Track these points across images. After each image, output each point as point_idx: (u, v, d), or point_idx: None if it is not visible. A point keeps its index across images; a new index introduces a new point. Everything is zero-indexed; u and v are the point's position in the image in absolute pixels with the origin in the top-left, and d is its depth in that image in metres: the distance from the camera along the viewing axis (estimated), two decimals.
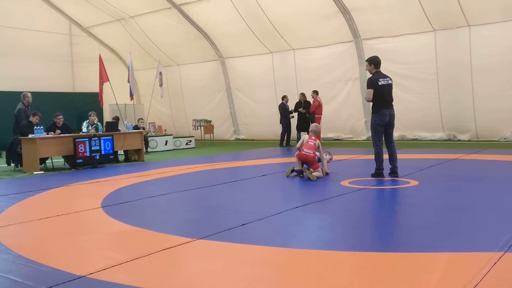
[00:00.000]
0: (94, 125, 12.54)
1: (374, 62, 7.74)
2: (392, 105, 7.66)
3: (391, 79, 7.69)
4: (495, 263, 3.35)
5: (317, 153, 8.22)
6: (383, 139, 7.69)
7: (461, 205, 5.46)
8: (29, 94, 11.94)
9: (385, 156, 7.69)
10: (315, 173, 7.91)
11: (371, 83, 7.53)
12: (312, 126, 8.78)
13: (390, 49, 14.76)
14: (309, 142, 8.20)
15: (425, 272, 3.33)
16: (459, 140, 14.30)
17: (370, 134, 7.94)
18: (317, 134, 8.62)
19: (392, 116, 7.60)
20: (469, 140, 14.02)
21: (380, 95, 7.48)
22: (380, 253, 3.80)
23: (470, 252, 3.69)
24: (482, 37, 13.31)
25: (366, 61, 7.89)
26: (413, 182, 7.14)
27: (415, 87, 14.53)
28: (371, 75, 7.73)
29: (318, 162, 8.22)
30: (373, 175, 7.74)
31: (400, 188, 6.80)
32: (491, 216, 5.05)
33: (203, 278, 3.39)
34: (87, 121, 12.86)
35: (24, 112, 11.51)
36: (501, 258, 3.47)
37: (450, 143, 13.78)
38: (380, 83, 7.49)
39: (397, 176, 7.55)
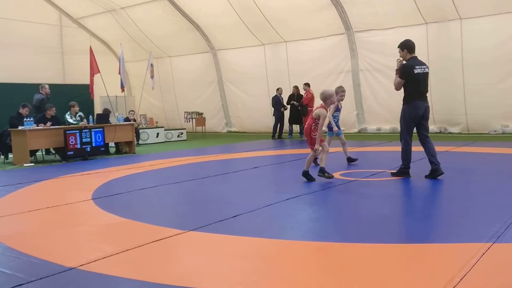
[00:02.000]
0: (78, 114, 12.29)
1: (406, 46, 6.69)
2: (427, 96, 6.74)
3: (427, 67, 6.69)
4: (483, 254, 3.39)
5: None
6: (416, 133, 6.79)
7: (451, 197, 5.50)
8: (47, 86, 13.22)
9: (414, 150, 6.89)
10: (312, 154, 6.83)
11: (405, 72, 6.56)
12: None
13: (382, 42, 14.79)
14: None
15: (415, 263, 3.36)
16: (450, 132, 14.39)
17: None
18: (324, 98, 6.74)
19: (427, 109, 6.69)
20: (459, 133, 14.11)
21: (415, 85, 6.55)
22: (371, 244, 3.82)
23: (459, 243, 3.72)
24: (474, 30, 13.36)
25: (398, 47, 6.77)
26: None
27: None
28: (405, 62, 6.70)
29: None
30: (395, 174, 6.92)
31: (391, 180, 6.83)
32: (481, 207, 5.10)
33: (194, 270, 3.39)
34: (69, 112, 12.56)
35: (45, 102, 12.53)
36: (489, 248, 3.51)
37: (441, 136, 13.85)
38: (416, 71, 6.52)
39: (442, 173, 6.58)
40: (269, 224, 4.69)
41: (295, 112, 15.09)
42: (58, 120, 11.52)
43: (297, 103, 14.89)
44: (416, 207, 5.30)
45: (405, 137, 6.77)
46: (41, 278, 3.24)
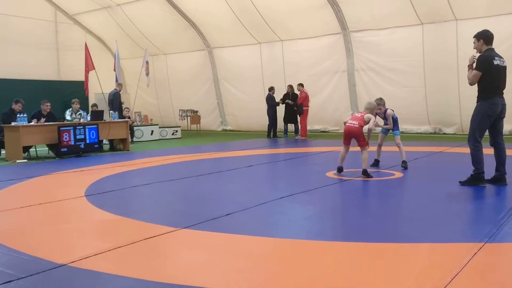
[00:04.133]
0: (79, 113, 12.38)
1: (483, 36, 5.97)
2: (503, 92, 5.99)
3: (505, 61, 5.97)
4: (475, 254, 3.39)
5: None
6: (490, 134, 6.13)
7: (444, 197, 5.51)
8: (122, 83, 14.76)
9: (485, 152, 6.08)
10: (364, 152, 7.04)
11: (484, 62, 5.82)
12: (366, 103, 7.57)
13: (378, 42, 14.82)
14: (357, 114, 7.38)
15: (406, 262, 3.36)
16: (444, 133, 14.44)
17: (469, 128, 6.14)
18: (371, 110, 7.32)
19: (504, 107, 5.94)
20: (454, 134, 14.16)
21: (493, 79, 5.83)
22: (363, 243, 3.82)
23: (451, 243, 3.72)
24: (469, 31, 13.31)
25: (473, 36, 6.06)
26: (398, 174, 7.19)
27: (402, 80, 14.59)
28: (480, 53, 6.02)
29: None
30: (465, 183, 6.07)
31: (385, 180, 6.84)
32: (473, 207, 5.12)
33: (186, 267, 3.38)
34: (70, 109, 12.68)
35: (120, 96, 14.01)
36: (481, 248, 3.51)
37: (435, 136, 13.90)
38: (495, 63, 5.80)
39: (506, 184, 5.97)
40: (262, 222, 4.69)
41: (290, 111, 15.09)
42: (53, 116, 11.46)
43: (292, 102, 14.89)
44: (408, 207, 5.31)
45: (475, 138, 5.97)
46: (31, 275, 3.21)
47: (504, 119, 6.10)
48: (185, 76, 19.97)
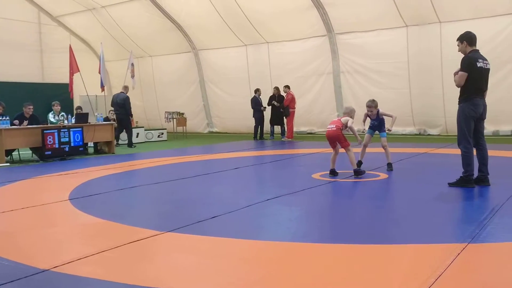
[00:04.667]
0: (61, 114, 12.22)
1: (466, 38, 6.03)
2: (484, 95, 6.07)
3: (489, 63, 6.04)
4: (458, 254, 3.42)
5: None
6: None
7: (429, 198, 5.56)
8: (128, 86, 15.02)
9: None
10: (349, 153, 7.16)
11: (468, 64, 5.86)
12: (344, 108, 7.82)
13: (363, 44, 14.91)
14: (334, 119, 7.53)
15: (390, 263, 3.38)
16: (429, 134, 14.57)
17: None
18: (349, 114, 7.46)
19: (485, 108, 6.03)
20: (438, 135, 14.30)
21: (475, 80, 5.86)
22: (348, 245, 3.83)
23: (435, 244, 3.75)
24: (452, 34, 13.45)
25: (457, 39, 6.13)
26: (383, 176, 7.23)
27: (387, 82, 14.70)
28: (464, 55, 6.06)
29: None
30: (454, 184, 6.09)
31: (370, 181, 6.87)
32: (457, 208, 5.17)
33: (170, 271, 3.36)
34: (52, 111, 12.49)
35: (129, 101, 14.28)
36: (464, 248, 3.55)
37: (420, 138, 14.02)
38: (478, 65, 5.85)
39: (488, 185, 6.05)
40: (247, 225, 4.68)
41: (277, 113, 15.11)
42: (36, 119, 11.32)
43: (278, 104, 14.91)
44: (393, 208, 5.34)
45: (466, 139, 5.95)
46: (12, 281, 3.15)
47: (488, 120, 6.16)
48: (171, 78, 19.89)
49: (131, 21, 18.43)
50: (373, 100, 7.87)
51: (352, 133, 7.49)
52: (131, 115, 14.65)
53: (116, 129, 13.88)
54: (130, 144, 14.17)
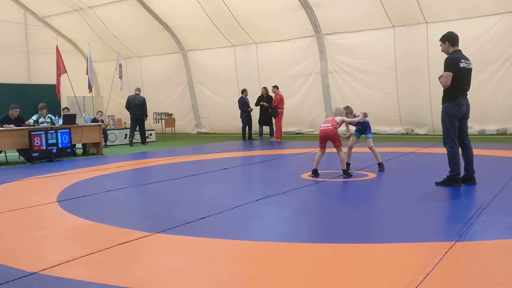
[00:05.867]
0: (48, 116, 12.02)
1: (448, 38, 6.12)
2: (467, 94, 6.12)
3: (471, 63, 6.11)
4: (446, 252, 3.46)
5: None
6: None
7: (416, 197, 5.60)
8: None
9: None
10: (340, 153, 7.17)
11: (451, 64, 5.90)
12: (334, 109, 8.02)
13: (351, 44, 15.00)
14: (328, 118, 7.60)
15: (379, 262, 3.40)
16: (416, 134, 14.69)
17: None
18: (340, 115, 7.52)
19: (468, 107, 6.08)
20: (426, 134, 14.42)
21: (459, 80, 5.90)
22: (336, 244, 3.86)
23: (423, 242, 3.79)
24: (439, 34, 13.54)
25: (440, 40, 6.24)
26: (371, 175, 7.28)
27: (374, 82, 14.80)
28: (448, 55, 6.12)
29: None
30: (441, 183, 6.14)
31: (358, 181, 6.91)
32: (444, 207, 5.22)
33: (159, 272, 3.35)
34: (38, 114, 12.14)
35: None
36: (452, 247, 3.59)
37: (407, 137, 14.13)
38: (461, 65, 5.91)
39: (475, 183, 6.12)
40: (236, 226, 4.68)
41: (265, 113, 15.12)
42: (23, 121, 11.20)
43: (267, 104, 14.93)
44: (381, 208, 5.38)
45: (451, 139, 6.01)
46: None
47: (474, 120, 6.20)
48: (159, 78, 19.81)
49: (119, 21, 18.33)
50: (348, 107, 7.93)
51: (348, 134, 7.91)
52: (147, 116, 15.66)
53: (132, 129, 15.08)
54: (143, 141, 15.35)
